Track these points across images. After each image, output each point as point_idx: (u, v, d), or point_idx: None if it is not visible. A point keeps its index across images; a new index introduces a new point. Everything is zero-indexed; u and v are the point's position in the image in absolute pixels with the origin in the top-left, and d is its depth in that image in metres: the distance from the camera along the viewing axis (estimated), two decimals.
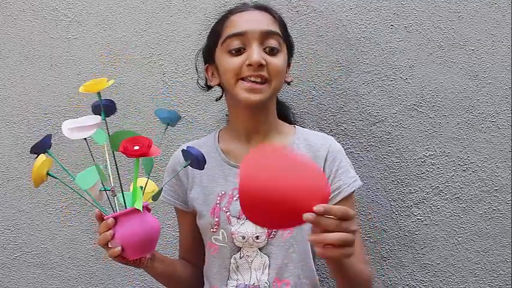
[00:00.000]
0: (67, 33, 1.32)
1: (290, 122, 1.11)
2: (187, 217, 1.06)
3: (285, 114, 1.12)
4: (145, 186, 0.85)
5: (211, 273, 1.00)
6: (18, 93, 1.35)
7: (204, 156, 0.84)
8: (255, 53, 0.92)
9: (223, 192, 0.99)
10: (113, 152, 0.83)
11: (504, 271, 1.21)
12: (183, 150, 0.86)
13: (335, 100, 1.24)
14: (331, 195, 0.99)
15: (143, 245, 0.81)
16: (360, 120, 1.23)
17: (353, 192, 1.01)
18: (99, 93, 0.82)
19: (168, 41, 1.29)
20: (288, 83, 1.07)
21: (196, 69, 1.13)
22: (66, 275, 1.35)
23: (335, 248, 0.68)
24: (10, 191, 1.36)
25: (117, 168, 0.84)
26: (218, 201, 0.98)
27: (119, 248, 0.78)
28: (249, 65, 0.92)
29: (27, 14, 1.34)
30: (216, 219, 0.97)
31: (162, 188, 0.87)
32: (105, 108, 0.83)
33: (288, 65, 1.05)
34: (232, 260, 0.97)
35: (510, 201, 1.20)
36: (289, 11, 1.24)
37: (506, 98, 1.19)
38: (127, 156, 0.77)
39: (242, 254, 0.97)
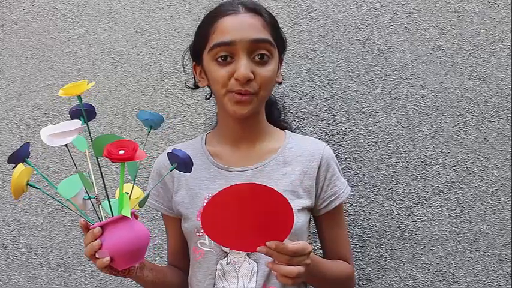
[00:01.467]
0: (67, 33, 1.32)
1: (279, 126, 1.09)
2: (174, 222, 1.03)
3: (274, 117, 1.10)
4: (131, 192, 0.81)
5: (196, 280, 0.96)
6: (18, 93, 1.35)
7: (191, 158, 0.81)
8: (242, 67, 0.89)
9: (209, 195, 0.95)
10: (96, 157, 0.78)
11: (504, 271, 1.21)
12: (168, 153, 0.82)
13: (335, 100, 1.24)
14: (327, 202, 0.99)
15: (133, 254, 0.77)
16: (360, 120, 1.23)
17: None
18: (79, 96, 0.77)
19: (168, 41, 1.29)
20: (279, 83, 1.04)
21: (183, 68, 1.11)
22: (67, 275, 1.35)
23: (285, 277, 0.79)
24: (10, 191, 1.36)
25: (101, 174, 0.81)
26: (205, 204, 0.95)
27: (108, 258, 0.75)
28: (237, 79, 0.89)
29: (27, 14, 1.34)
30: None
31: (148, 194, 0.84)
32: (85, 113, 0.79)
33: (280, 61, 1.02)
34: (219, 266, 0.93)
35: (510, 201, 1.20)
36: (289, 11, 1.24)
37: (506, 98, 1.19)
38: (111, 161, 0.73)
39: (229, 260, 0.93)
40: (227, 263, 0.93)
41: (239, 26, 0.91)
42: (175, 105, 1.29)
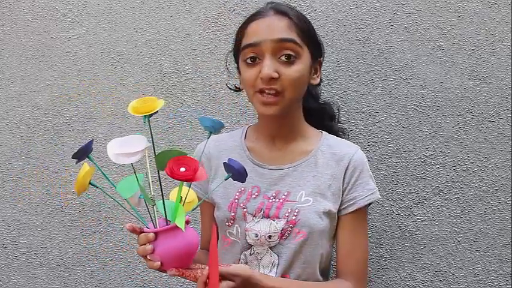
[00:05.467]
0: (67, 33, 1.32)
1: (323, 126, 1.10)
2: (209, 208, 1.07)
3: (314, 120, 1.11)
4: (186, 196, 0.84)
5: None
6: (18, 93, 1.35)
7: (245, 169, 0.85)
8: (266, 67, 0.92)
9: (242, 189, 1.00)
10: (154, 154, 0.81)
11: (504, 271, 1.21)
12: (224, 163, 0.85)
13: (335, 100, 1.24)
14: (345, 205, 0.99)
15: (182, 261, 0.82)
16: (360, 120, 1.23)
17: (368, 204, 1.00)
18: (148, 115, 0.79)
19: (168, 41, 1.29)
20: (317, 85, 1.05)
21: (227, 69, 1.14)
22: (66, 275, 1.35)
23: None
24: (10, 191, 1.36)
25: (159, 176, 0.83)
26: (237, 197, 0.99)
27: (158, 263, 0.80)
28: (261, 78, 0.93)
29: (27, 14, 1.34)
30: (233, 214, 0.98)
31: (200, 202, 0.88)
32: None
33: (319, 64, 1.04)
34: (242, 256, 0.98)
35: (510, 201, 1.20)
36: None
37: (506, 98, 1.19)
38: (173, 179, 0.76)
39: (252, 251, 0.98)
40: (250, 254, 0.98)
41: (264, 28, 0.95)
42: (175, 105, 1.29)
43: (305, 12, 1.23)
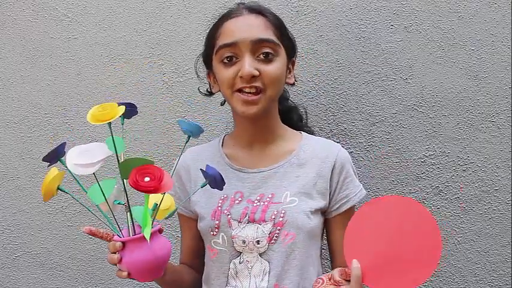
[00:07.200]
0: (67, 33, 1.32)
1: (295, 127, 1.09)
2: (189, 222, 1.05)
3: (289, 119, 1.11)
4: (160, 203, 0.80)
5: (210, 279, 0.99)
6: (18, 93, 1.35)
7: (222, 176, 0.82)
8: (246, 65, 0.90)
9: (225, 196, 0.97)
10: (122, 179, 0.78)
11: (504, 271, 1.21)
12: (201, 170, 0.83)
13: (335, 100, 1.24)
14: (339, 205, 0.98)
15: (150, 272, 0.79)
16: (360, 120, 1.23)
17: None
18: (109, 123, 0.76)
19: (168, 41, 1.29)
20: (291, 85, 1.05)
21: (197, 75, 1.11)
22: (66, 275, 1.35)
23: None
24: (10, 191, 1.36)
25: (124, 185, 0.79)
26: (220, 204, 0.96)
27: (126, 273, 0.79)
28: (242, 77, 0.91)
29: (27, 14, 1.34)
30: (217, 222, 0.95)
31: (176, 208, 0.86)
32: (126, 112, 0.79)
33: (293, 64, 1.04)
34: (232, 265, 0.95)
35: (510, 201, 1.20)
36: (289, 11, 1.24)
37: (506, 98, 1.19)
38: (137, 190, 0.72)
39: (242, 259, 0.94)
40: (240, 262, 0.95)
41: (241, 27, 0.94)
42: (175, 105, 1.29)
43: (305, 12, 1.24)
